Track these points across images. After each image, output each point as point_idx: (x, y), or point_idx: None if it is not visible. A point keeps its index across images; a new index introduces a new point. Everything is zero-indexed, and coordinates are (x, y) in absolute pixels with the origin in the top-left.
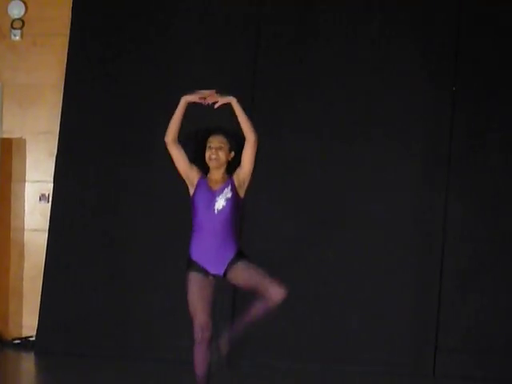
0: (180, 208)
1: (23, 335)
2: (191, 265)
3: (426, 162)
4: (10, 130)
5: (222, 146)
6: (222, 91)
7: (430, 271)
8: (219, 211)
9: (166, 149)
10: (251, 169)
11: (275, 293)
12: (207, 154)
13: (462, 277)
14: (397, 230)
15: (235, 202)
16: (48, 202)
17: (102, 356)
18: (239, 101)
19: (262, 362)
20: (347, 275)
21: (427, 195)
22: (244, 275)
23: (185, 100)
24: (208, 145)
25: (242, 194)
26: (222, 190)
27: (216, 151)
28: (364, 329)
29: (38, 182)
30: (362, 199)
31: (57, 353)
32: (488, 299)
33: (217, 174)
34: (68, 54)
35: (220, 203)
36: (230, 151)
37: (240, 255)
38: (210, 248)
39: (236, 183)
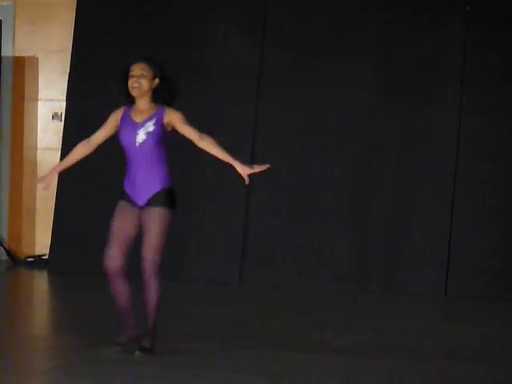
0: None
1: (36, 253)
2: (122, 195)
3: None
4: (23, 49)
5: (144, 73)
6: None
7: (442, 194)
8: (140, 144)
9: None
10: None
11: (143, 256)
12: (129, 83)
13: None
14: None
15: (159, 135)
16: (60, 120)
17: None
18: None
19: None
20: (370, 197)
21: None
22: (146, 222)
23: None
24: (130, 74)
25: (170, 128)
26: (143, 123)
27: (137, 79)
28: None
29: (50, 100)
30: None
31: (69, 271)
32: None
33: (142, 103)
34: None
35: (140, 136)
36: (154, 78)
37: (162, 197)
38: (134, 180)
39: (165, 120)
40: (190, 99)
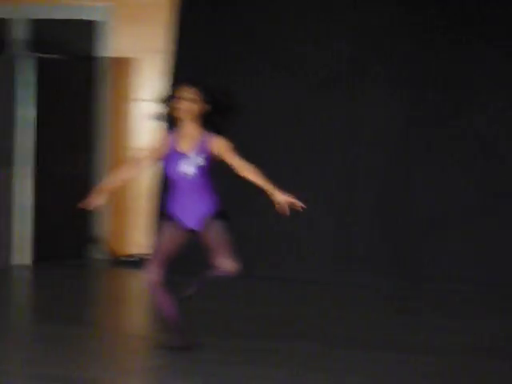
0: None
1: (134, 253)
2: (167, 216)
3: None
4: (122, 49)
5: (195, 97)
6: None
7: None
8: (187, 175)
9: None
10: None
11: (227, 265)
12: (178, 105)
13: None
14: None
15: (208, 166)
16: (159, 120)
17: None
18: None
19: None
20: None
21: None
22: (212, 235)
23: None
24: (179, 96)
25: (215, 156)
26: (191, 155)
27: (187, 102)
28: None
29: (149, 100)
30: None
31: (169, 270)
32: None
33: (189, 128)
34: None
35: (187, 168)
36: (204, 103)
37: (218, 215)
38: (184, 205)
39: (212, 149)
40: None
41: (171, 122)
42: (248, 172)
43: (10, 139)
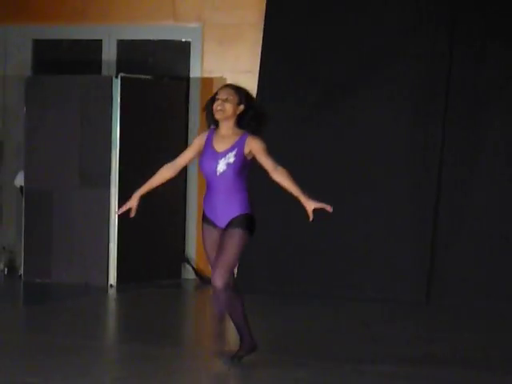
0: None
1: None
2: (203, 218)
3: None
4: (211, 70)
5: (230, 97)
6: None
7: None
8: (220, 174)
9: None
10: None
11: (212, 277)
12: (214, 106)
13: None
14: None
15: (240, 166)
16: None
17: (295, 293)
18: None
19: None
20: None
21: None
22: (223, 241)
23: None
24: (216, 97)
25: (250, 157)
26: (225, 154)
27: (222, 102)
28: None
29: None
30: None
31: (258, 290)
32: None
33: (225, 128)
34: None
35: (221, 166)
36: (239, 104)
37: (241, 220)
38: (215, 205)
39: (246, 150)
40: None
41: (213, 122)
42: (278, 175)
43: (106, 161)
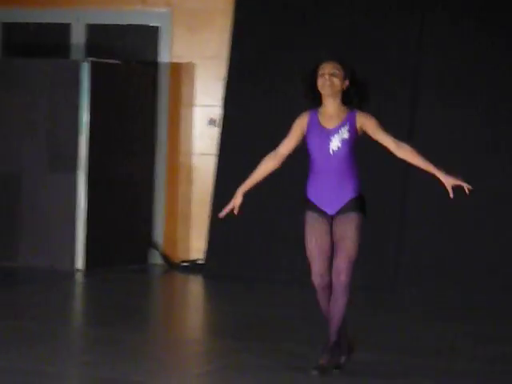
0: None
1: (191, 258)
2: (307, 204)
3: None
4: (179, 55)
5: (337, 71)
6: None
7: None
8: (334, 152)
9: None
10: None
11: (335, 272)
12: (320, 82)
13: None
14: None
15: (353, 142)
16: (216, 126)
17: (270, 280)
18: None
19: None
20: None
21: None
22: (340, 230)
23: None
24: (320, 72)
25: (361, 133)
26: (337, 130)
27: (330, 77)
28: None
29: (206, 106)
30: None
31: (225, 276)
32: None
33: (331, 105)
34: None
35: (335, 144)
36: (345, 79)
37: (356, 203)
38: (326, 189)
39: (357, 125)
40: None
41: (313, 99)
42: (404, 152)
43: (74, 145)
